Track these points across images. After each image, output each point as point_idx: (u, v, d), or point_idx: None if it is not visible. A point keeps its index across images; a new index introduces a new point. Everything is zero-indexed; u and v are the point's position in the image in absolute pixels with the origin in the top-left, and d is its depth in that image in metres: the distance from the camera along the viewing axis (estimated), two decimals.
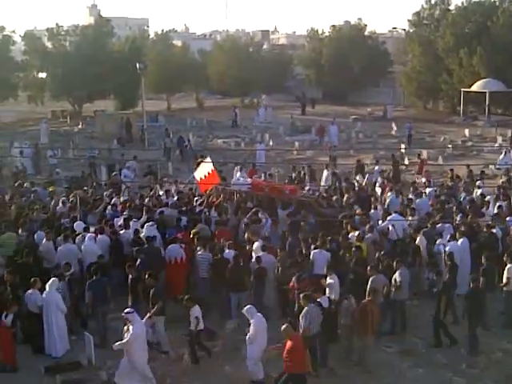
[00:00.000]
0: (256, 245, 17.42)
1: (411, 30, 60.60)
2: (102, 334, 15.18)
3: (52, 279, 14.98)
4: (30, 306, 14.74)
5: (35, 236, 18.39)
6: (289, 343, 12.14)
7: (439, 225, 18.89)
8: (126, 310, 13.25)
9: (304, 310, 13.29)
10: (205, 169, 22.94)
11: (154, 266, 16.31)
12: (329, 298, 14.52)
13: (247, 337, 13.22)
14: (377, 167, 28.86)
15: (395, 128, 47.20)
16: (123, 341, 12.89)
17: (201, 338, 14.49)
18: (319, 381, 13.33)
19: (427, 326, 15.24)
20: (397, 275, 15.32)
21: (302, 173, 28.57)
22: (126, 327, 13.13)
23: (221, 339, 15.41)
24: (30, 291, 14.77)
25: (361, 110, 58.90)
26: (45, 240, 17.54)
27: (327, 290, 14.95)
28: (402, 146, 39.22)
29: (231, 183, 23.96)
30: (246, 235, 18.77)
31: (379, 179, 26.73)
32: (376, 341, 14.52)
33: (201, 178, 22.94)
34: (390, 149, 36.69)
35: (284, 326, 12.30)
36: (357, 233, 18.14)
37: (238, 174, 25.90)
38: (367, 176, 27.82)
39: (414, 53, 58.19)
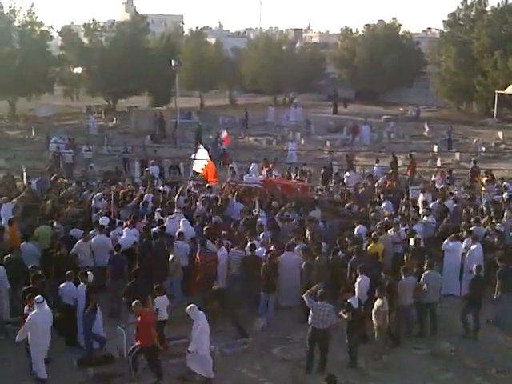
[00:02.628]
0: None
1: (446, 31, 60.06)
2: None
3: (88, 273, 15.23)
4: (65, 298, 14.93)
5: (71, 231, 18.66)
6: (138, 319, 13.10)
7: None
8: None
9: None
10: (201, 161, 23.14)
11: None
12: (359, 298, 14.57)
13: (192, 336, 13.30)
14: (375, 167, 29.15)
15: (427, 129, 46.95)
16: None
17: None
18: (349, 381, 13.41)
19: (458, 329, 15.28)
20: (426, 277, 15.32)
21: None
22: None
23: (250, 337, 15.56)
24: (64, 284, 14.96)
25: (393, 110, 58.64)
26: (81, 240, 17.51)
27: (356, 290, 15.04)
28: (435, 147, 39.00)
29: (243, 180, 24.06)
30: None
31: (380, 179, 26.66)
32: (405, 343, 14.59)
33: (202, 169, 23.19)
34: (421, 150, 36.54)
35: (134, 303, 13.29)
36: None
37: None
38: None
39: (448, 54, 57.68)
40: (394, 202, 22.67)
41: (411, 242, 17.94)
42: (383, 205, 22.29)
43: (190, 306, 13.44)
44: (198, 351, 13.29)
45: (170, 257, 17.10)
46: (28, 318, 13.30)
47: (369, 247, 17.42)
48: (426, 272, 15.38)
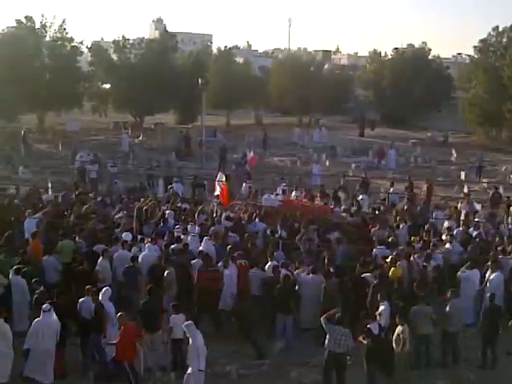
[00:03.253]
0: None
1: (476, 57, 59.73)
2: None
3: (105, 288, 15.29)
4: (84, 312, 14.92)
5: (95, 247, 18.68)
6: (122, 330, 13.38)
7: None
8: None
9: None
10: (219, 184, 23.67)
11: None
12: (379, 324, 14.36)
13: (188, 353, 13.13)
14: (391, 189, 29.10)
15: (455, 154, 46.58)
16: None
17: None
18: None
19: (478, 360, 15.00)
20: (449, 306, 15.05)
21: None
22: None
23: (268, 358, 15.39)
24: (83, 298, 14.98)
25: (420, 134, 58.26)
26: (102, 258, 17.48)
27: (378, 316, 14.82)
28: (462, 173, 38.62)
29: (263, 200, 23.99)
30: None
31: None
32: (426, 372, 14.33)
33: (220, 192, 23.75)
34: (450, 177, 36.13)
35: (118, 315, 13.43)
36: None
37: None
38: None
39: (478, 79, 57.33)
40: (415, 227, 22.40)
41: (428, 269, 17.71)
42: (401, 229, 22.13)
43: (187, 323, 13.30)
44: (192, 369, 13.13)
45: (165, 272, 17.01)
46: (32, 324, 13.51)
47: (390, 272, 17.20)
48: (452, 300, 15.12)
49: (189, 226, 21.02)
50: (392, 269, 17.33)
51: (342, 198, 27.06)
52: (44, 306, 13.60)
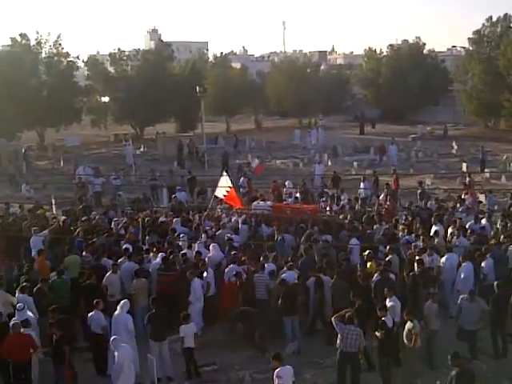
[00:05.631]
0: None
1: (471, 48, 59.73)
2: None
3: (124, 300, 15.31)
4: (94, 327, 14.96)
5: (101, 260, 18.67)
6: None
7: None
8: None
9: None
10: (223, 188, 23.52)
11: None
12: (393, 318, 14.34)
13: (113, 367, 13.22)
14: (362, 184, 29.41)
15: (456, 147, 46.57)
16: None
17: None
18: None
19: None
20: (461, 305, 15.02)
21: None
22: None
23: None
24: (92, 312, 14.99)
25: (420, 129, 58.20)
26: (110, 272, 17.40)
27: (389, 312, 14.79)
28: (464, 165, 38.60)
29: (253, 206, 24.04)
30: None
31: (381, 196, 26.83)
32: (440, 365, 14.32)
33: (225, 196, 23.64)
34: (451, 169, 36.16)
35: None
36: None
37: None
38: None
39: (474, 71, 57.36)
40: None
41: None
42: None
43: (113, 338, 13.40)
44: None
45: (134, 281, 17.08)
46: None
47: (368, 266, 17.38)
48: (464, 300, 15.04)
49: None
50: (368, 263, 17.49)
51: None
52: (18, 304, 14.61)
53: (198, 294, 16.68)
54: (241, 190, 29.22)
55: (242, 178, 31.22)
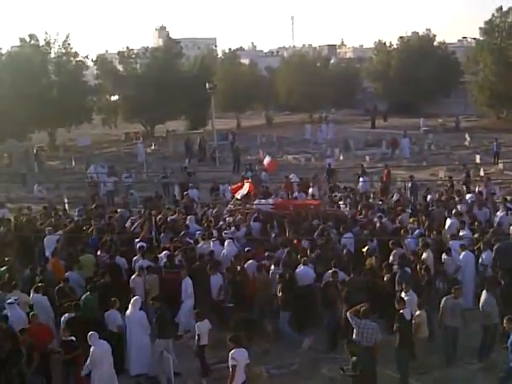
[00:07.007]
0: None
1: (482, 39, 59.29)
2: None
3: (135, 297, 15.33)
4: (110, 325, 14.94)
5: (116, 259, 18.61)
6: None
7: None
8: None
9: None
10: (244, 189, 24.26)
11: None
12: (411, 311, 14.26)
13: (87, 363, 13.19)
14: (361, 178, 29.70)
15: (468, 139, 46.30)
16: None
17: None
18: None
19: None
20: (484, 300, 14.79)
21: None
22: None
23: (298, 357, 15.34)
24: (109, 311, 14.98)
25: (431, 121, 57.92)
26: (135, 275, 17.25)
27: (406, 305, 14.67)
28: (477, 157, 38.37)
29: (254, 203, 23.97)
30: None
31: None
32: (459, 357, 14.24)
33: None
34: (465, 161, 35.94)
35: None
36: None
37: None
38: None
39: (485, 62, 56.95)
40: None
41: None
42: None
43: (90, 333, 13.29)
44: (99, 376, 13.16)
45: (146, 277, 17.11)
46: None
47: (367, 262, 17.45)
48: (486, 296, 14.79)
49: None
50: (367, 259, 17.53)
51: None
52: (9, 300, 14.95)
53: (188, 292, 16.65)
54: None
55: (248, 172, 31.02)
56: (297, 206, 23.40)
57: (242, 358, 12.46)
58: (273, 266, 17.32)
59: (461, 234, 19.40)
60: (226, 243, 19.31)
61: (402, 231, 19.51)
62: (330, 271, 16.46)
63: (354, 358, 12.83)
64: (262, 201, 24.20)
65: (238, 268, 17.35)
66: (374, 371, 13.28)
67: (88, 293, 15.93)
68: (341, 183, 29.62)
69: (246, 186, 24.88)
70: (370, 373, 13.13)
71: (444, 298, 14.66)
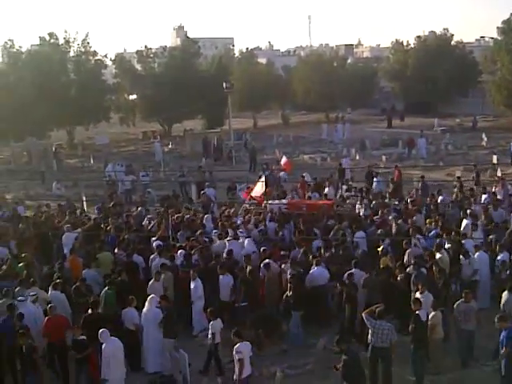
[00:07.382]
0: None
1: (500, 38, 58.89)
2: None
3: (151, 296, 15.45)
4: (127, 323, 15.11)
5: (133, 257, 18.80)
6: None
7: None
8: None
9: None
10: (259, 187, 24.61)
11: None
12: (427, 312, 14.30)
13: (102, 360, 13.28)
14: (375, 179, 29.63)
15: (485, 139, 46.07)
16: None
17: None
18: None
19: None
20: (505, 300, 14.73)
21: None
22: None
23: (312, 357, 15.44)
24: (126, 309, 15.16)
25: (449, 121, 57.67)
26: (153, 280, 17.03)
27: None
28: (494, 157, 38.19)
29: (268, 203, 23.99)
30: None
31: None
32: (475, 359, 14.26)
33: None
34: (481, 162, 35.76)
35: None
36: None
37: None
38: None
39: (502, 61, 56.55)
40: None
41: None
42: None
43: (101, 330, 13.39)
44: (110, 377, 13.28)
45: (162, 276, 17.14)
46: None
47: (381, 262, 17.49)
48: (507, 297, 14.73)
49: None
50: (382, 258, 17.57)
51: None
52: (19, 297, 15.26)
53: (198, 294, 16.75)
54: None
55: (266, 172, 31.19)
56: (310, 206, 23.48)
57: (246, 351, 12.78)
58: (287, 265, 17.42)
59: (473, 235, 19.40)
60: (245, 242, 19.44)
61: (411, 231, 19.57)
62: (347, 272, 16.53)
63: (345, 356, 12.88)
64: (276, 201, 24.31)
65: (249, 268, 17.33)
66: (389, 371, 13.36)
67: (107, 288, 16.12)
68: (353, 183, 29.59)
69: (261, 185, 25.04)
70: (357, 372, 13.06)
71: (457, 303, 14.65)
